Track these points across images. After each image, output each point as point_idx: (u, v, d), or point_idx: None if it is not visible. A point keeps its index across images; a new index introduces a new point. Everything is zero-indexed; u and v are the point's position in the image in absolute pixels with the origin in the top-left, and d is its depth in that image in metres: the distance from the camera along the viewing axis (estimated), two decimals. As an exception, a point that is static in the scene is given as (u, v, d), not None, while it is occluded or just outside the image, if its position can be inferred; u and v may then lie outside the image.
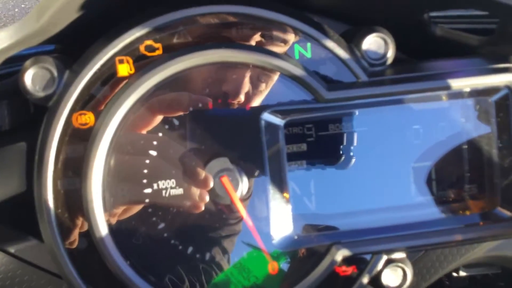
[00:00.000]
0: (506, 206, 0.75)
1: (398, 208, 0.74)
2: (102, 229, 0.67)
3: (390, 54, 0.71)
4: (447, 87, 0.70)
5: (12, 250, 0.75)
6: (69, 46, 0.76)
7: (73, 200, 0.68)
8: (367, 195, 0.74)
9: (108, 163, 0.68)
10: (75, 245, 0.69)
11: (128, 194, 0.69)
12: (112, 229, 0.68)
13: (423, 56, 0.83)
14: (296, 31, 0.70)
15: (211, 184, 0.69)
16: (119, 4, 0.69)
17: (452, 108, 0.74)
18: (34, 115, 0.74)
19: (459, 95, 0.73)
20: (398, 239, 0.72)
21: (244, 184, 0.71)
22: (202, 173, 0.69)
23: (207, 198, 0.70)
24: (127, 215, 0.69)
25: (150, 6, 0.69)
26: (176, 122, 0.69)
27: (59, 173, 0.67)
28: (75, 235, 0.68)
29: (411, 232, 0.72)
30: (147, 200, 0.69)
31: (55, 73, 0.67)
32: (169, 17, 0.68)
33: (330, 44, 0.70)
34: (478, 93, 0.73)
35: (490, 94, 0.73)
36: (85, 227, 0.68)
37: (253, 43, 0.71)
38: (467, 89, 0.72)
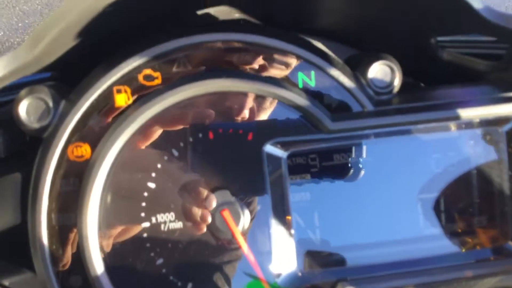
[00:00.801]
0: (518, 239, 0.72)
1: (406, 241, 0.72)
2: (98, 266, 0.65)
3: (397, 82, 0.69)
4: (456, 117, 0.68)
5: (6, 283, 0.73)
6: (66, 73, 0.75)
7: (68, 235, 0.65)
8: (373, 228, 0.72)
9: (104, 198, 0.65)
10: (69, 282, 0.66)
11: (125, 230, 0.66)
12: (108, 266, 0.66)
13: (430, 80, 0.81)
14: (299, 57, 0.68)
15: (209, 220, 0.67)
16: (117, 32, 0.68)
17: (461, 138, 0.72)
18: (29, 144, 0.72)
19: (468, 125, 0.71)
20: (406, 275, 0.69)
21: (245, 218, 0.68)
22: (199, 211, 0.67)
23: (209, 219, 0.67)
24: (124, 251, 0.67)
25: (149, 34, 0.68)
26: (175, 153, 0.67)
27: (54, 207, 0.65)
28: (69, 272, 0.66)
29: (420, 268, 0.70)
30: (145, 235, 0.67)
31: (51, 104, 0.64)
32: (168, 46, 0.66)
33: (335, 72, 0.68)
34: (488, 123, 0.71)
35: (501, 124, 0.71)
36: (80, 264, 0.66)
37: (254, 67, 0.69)
38: (477, 119, 0.70)
